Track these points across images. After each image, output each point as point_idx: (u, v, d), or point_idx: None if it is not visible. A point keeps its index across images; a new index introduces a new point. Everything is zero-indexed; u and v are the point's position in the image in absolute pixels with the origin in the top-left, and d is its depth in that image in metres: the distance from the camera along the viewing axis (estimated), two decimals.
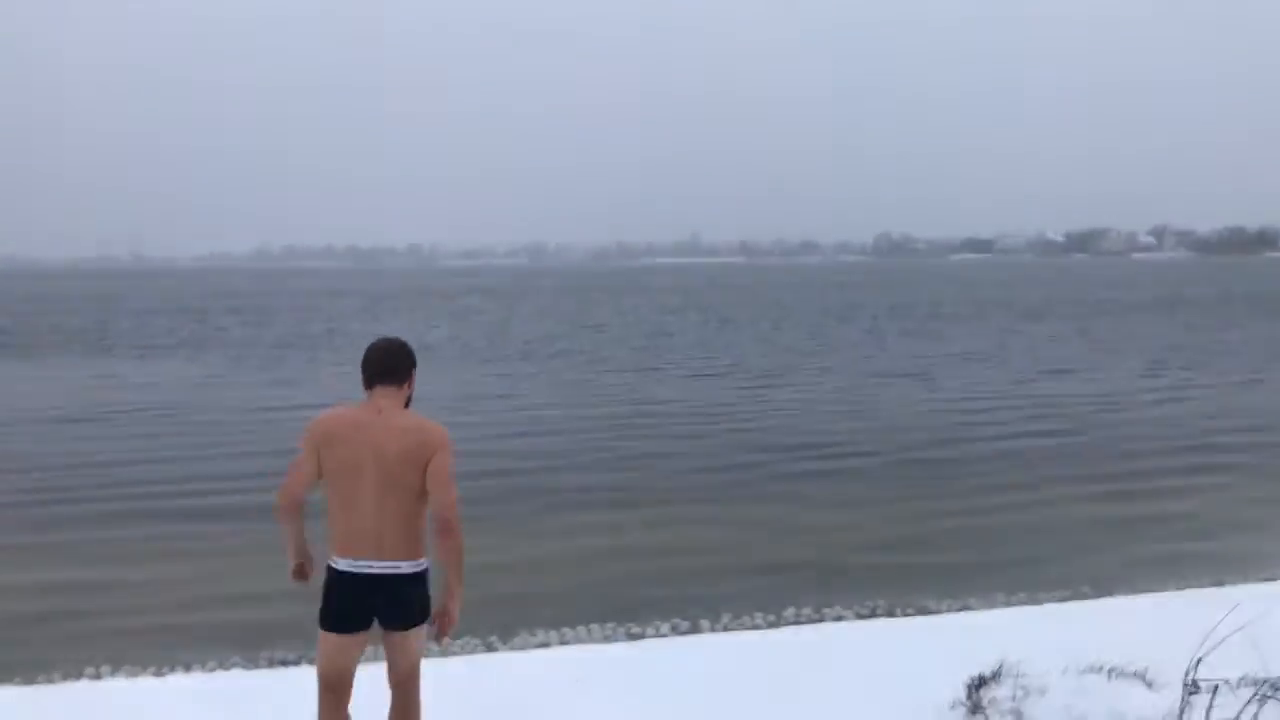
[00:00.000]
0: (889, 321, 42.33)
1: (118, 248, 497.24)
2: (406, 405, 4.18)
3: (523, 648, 7.12)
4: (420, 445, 4.02)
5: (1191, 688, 3.62)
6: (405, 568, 4.04)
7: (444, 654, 6.93)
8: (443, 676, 6.01)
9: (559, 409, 18.23)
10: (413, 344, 4.38)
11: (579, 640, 7.25)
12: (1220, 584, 8.30)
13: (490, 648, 7.12)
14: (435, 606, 4.13)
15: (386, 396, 4.12)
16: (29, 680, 6.50)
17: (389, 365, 4.16)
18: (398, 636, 4.12)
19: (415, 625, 4.11)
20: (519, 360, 27.42)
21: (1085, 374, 23.01)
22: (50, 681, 6.51)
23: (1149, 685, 4.92)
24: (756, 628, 7.50)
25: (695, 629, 7.49)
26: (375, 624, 4.11)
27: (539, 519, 10.57)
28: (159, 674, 6.59)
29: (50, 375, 24.68)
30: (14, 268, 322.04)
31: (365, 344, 4.31)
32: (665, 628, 7.54)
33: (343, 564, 4.04)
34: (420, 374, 4.31)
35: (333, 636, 4.08)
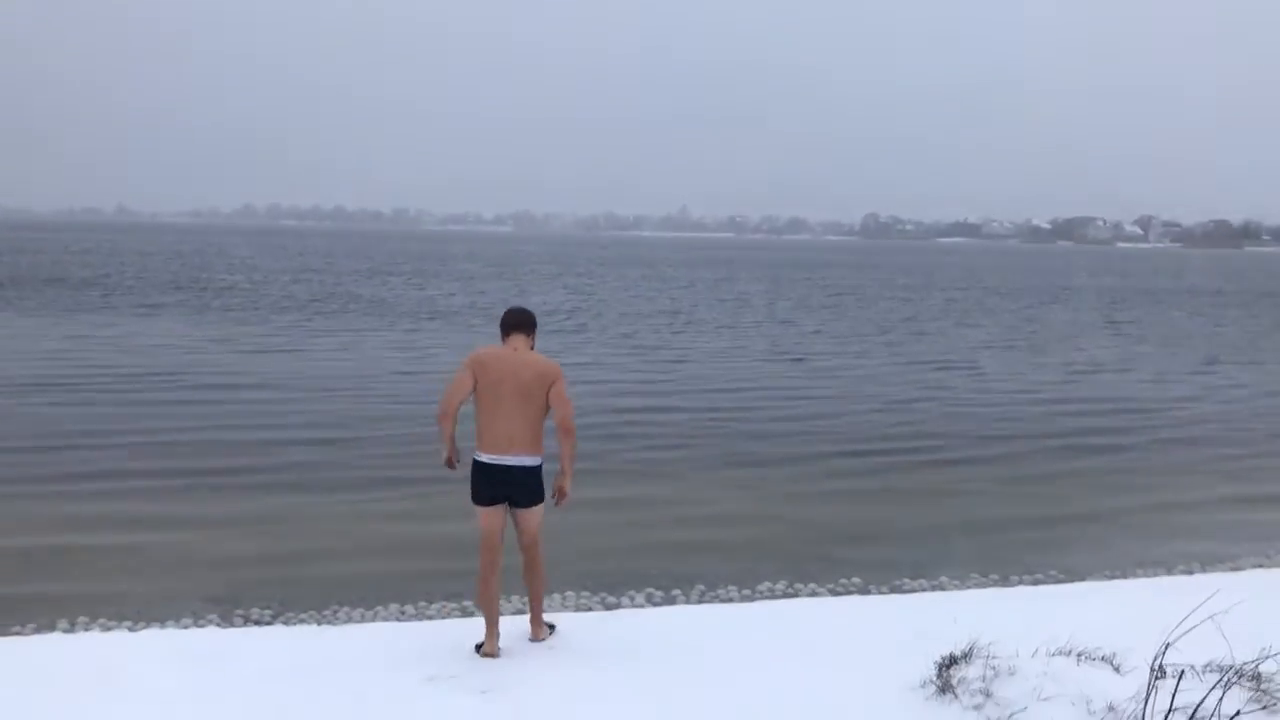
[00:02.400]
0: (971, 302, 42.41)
1: (104, 202, 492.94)
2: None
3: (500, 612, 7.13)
4: (545, 374, 5.61)
5: (1158, 673, 3.66)
6: (529, 462, 5.61)
7: (423, 619, 6.97)
8: (422, 640, 6.06)
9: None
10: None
11: (554, 608, 7.28)
12: (1190, 572, 8.40)
13: (466, 613, 7.14)
14: (556, 484, 5.66)
15: (520, 341, 5.77)
16: (2, 631, 6.48)
17: (521, 320, 5.87)
18: (524, 513, 5.71)
19: (537, 504, 5.68)
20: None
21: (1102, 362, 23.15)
22: (23, 634, 6.50)
23: (1117, 670, 4.97)
24: (730, 601, 7.55)
25: (669, 600, 7.53)
26: None
27: None
28: (133, 629, 6.59)
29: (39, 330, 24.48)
30: (4, 218, 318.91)
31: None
32: (640, 598, 7.58)
33: (485, 458, 5.59)
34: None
35: (486, 510, 5.65)
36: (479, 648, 5.71)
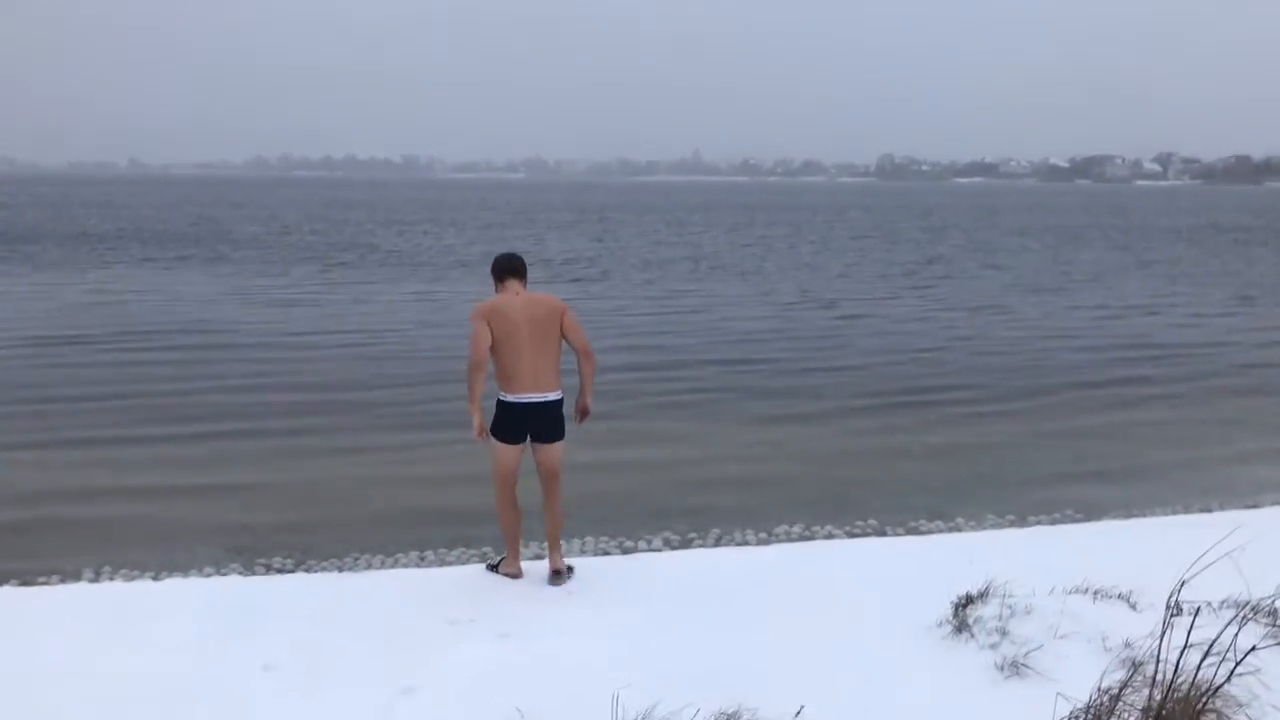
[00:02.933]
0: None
1: (116, 156, 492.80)
2: None
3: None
4: (554, 308, 5.95)
5: (1174, 610, 3.66)
6: (552, 396, 5.90)
7: (445, 565, 7.03)
8: (444, 585, 6.12)
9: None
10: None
11: (571, 554, 7.32)
12: (1208, 510, 8.39)
13: (484, 558, 7.20)
14: (579, 404, 6.09)
15: (517, 285, 6.03)
16: (27, 581, 6.57)
17: (516, 265, 6.10)
18: (549, 447, 6.02)
19: (561, 438, 6.02)
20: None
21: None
22: (48, 583, 6.59)
23: (1133, 607, 4.99)
24: (746, 544, 7.58)
25: (685, 544, 7.57)
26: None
27: None
28: (157, 578, 6.67)
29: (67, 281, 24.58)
30: (15, 171, 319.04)
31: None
32: (657, 542, 7.62)
33: (510, 398, 5.87)
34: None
35: (505, 446, 5.94)
36: (493, 567, 6.28)
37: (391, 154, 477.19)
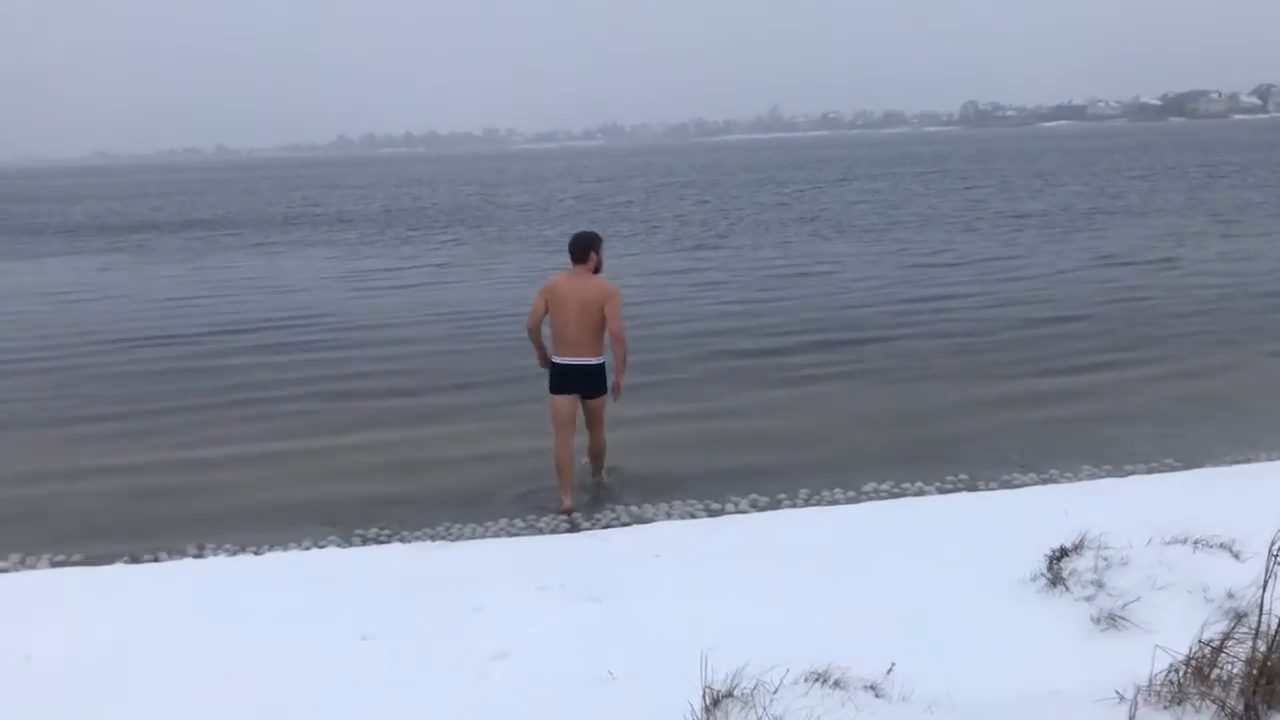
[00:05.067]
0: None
1: (204, 142, 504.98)
2: (597, 270, 7.58)
3: (608, 524, 7.28)
4: (599, 294, 7.39)
5: (1278, 557, 3.55)
6: (593, 361, 7.52)
7: (536, 533, 7.13)
8: (533, 553, 6.21)
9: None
10: None
11: (659, 518, 7.36)
12: None
13: (572, 527, 7.27)
14: (611, 382, 7.63)
15: (580, 267, 7.54)
16: (135, 559, 6.82)
17: (578, 247, 7.59)
18: (591, 401, 7.64)
19: (601, 395, 7.63)
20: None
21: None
22: (155, 559, 6.83)
23: (1236, 556, 4.84)
24: (835, 503, 7.53)
25: (774, 505, 7.55)
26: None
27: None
28: (258, 552, 6.87)
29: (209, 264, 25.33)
30: (112, 162, 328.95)
31: None
32: (744, 504, 7.61)
33: (561, 360, 7.55)
34: None
35: (558, 397, 7.59)
36: (560, 509, 7.52)
37: (472, 127, 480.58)
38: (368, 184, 76.76)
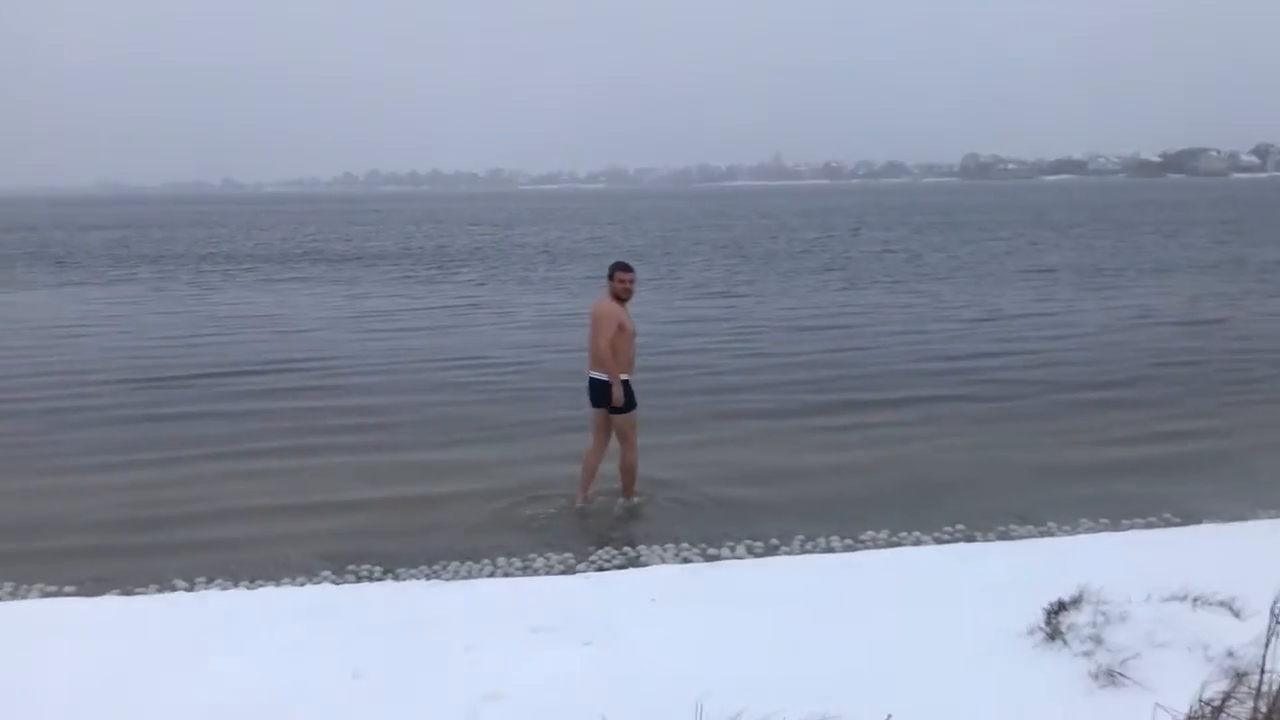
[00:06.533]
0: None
1: (211, 175, 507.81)
2: (616, 296, 8.38)
3: (602, 566, 7.24)
4: (600, 315, 8.29)
5: None
6: (603, 377, 8.28)
7: (528, 573, 7.09)
8: (527, 594, 6.16)
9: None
10: None
11: (653, 560, 7.32)
12: None
13: (569, 568, 7.23)
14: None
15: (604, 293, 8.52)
16: (126, 591, 6.77)
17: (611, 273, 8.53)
18: (612, 417, 8.38)
19: (618, 413, 8.35)
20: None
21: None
22: (145, 592, 6.78)
23: (1236, 614, 4.81)
24: (832, 550, 7.50)
25: (770, 550, 7.51)
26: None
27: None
28: (251, 586, 6.83)
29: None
30: (119, 194, 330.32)
31: None
32: (740, 549, 7.57)
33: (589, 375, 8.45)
34: None
35: (592, 410, 8.55)
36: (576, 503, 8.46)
37: (476, 168, 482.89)
38: (377, 221, 77.00)
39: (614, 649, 5.08)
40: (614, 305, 8.34)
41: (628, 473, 8.55)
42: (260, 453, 10.52)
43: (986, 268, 30.51)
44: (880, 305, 22.05)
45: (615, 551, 7.57)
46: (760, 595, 5.89)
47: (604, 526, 8.26)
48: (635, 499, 8.57)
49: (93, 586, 6.87)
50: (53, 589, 6.96)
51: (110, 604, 6.30)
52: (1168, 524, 7.90)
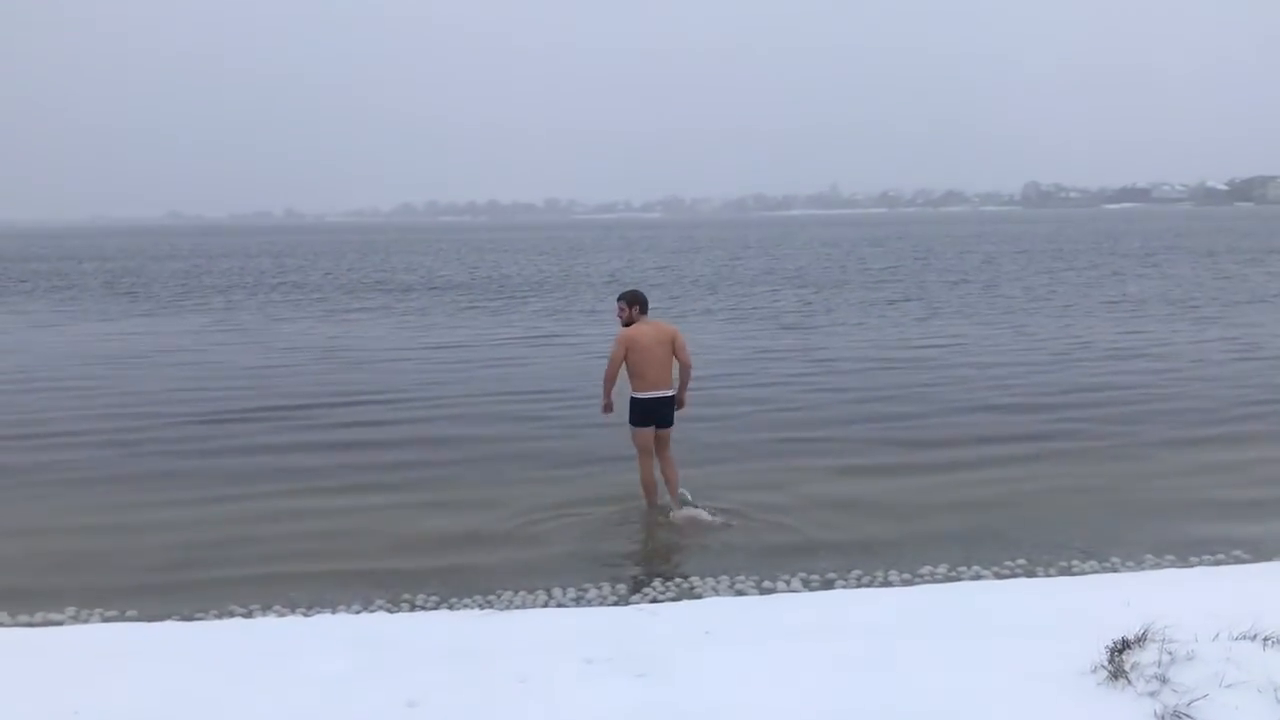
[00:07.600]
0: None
1: (273, 205, 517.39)
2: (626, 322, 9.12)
3: (656, 598, 7.20)
4: (672, 333, 9.14)
5: None
6: (669, 392, 9.15)
7: (581, 604, 7.07)
8: (581, 624, 6.14)
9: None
10: None
11: (706, 593, 7.27)
12: None
13: (622, 599, 7.20)
14: (678, 399, 9.23)
15: (643, 316, 9.17)
16: (187, 618, 6.86)
17: (642, 300, 9.27)
18: (666, 431, 9.25)
19: (672, 424, 9.26)
20: None
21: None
22: (204, 618, 6.86)
23: None
24: (890, 585, 7.39)
25: (826, 585, 7.42)
26: None
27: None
28: (307, 614, 6.88)
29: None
30: (189, 224, 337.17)
31: None
32: (796, 582, 7.49)
33: (642, 396, 9.06)
34: None
35: (644, 430, 9.14)
36: (661, 512, 9.09)
37: (533, 198, 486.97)
38: (442, 250, 77.64)
39: (668, 681, 5.03)
40: (622, 330, 9.04)
41: (674, 480, 9.44)
42: (322, 490, 10.39)
43: (1067, 297, 29.91)
44: (962, 337, 21.65)
45: (669, 583, 7.53)
46: (816, 629, 5.82)
47: (658, 558, 8.23)
48: (687, 497, 9.40)
49: (152, 613, 6.96)
50: (113, 614, 7.07)
51: (170, 629, 6.36)
52: (1237, 561, 7.69)
